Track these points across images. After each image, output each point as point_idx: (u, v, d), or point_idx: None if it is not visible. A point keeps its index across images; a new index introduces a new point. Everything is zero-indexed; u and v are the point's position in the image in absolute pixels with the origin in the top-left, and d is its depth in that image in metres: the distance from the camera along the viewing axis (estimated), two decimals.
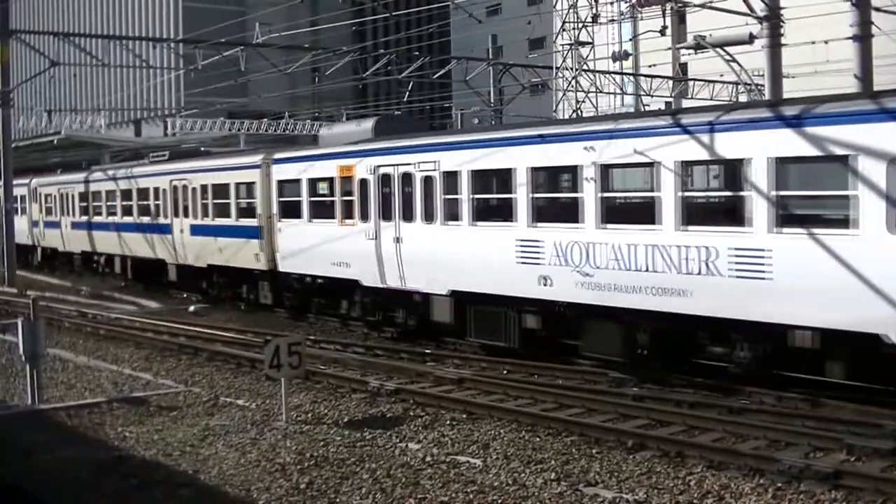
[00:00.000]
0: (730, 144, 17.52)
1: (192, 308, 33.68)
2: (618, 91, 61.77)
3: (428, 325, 24.61)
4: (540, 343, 21.92)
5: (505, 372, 20.86)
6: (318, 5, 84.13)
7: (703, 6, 37.03)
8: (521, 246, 21.17)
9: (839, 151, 15.85)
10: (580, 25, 55.59)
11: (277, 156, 30.73)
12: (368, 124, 28.38)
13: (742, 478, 13.30)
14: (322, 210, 28.06)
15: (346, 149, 27.35)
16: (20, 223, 50.93)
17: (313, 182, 28.53)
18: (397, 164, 24.79)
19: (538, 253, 20.78)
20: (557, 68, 58.07)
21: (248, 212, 31.86)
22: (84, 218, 45.27)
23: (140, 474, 14.32)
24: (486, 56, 64.01)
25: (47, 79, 62.94)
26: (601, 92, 58.44)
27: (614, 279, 19.21)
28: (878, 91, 20.13)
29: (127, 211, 40.83)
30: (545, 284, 20.76)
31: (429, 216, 23.70)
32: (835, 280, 15.86)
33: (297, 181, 29.20)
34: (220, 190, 33.61)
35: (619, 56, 59.57)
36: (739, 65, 37.74)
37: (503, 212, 21.78)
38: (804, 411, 16.35)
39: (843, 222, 15.89)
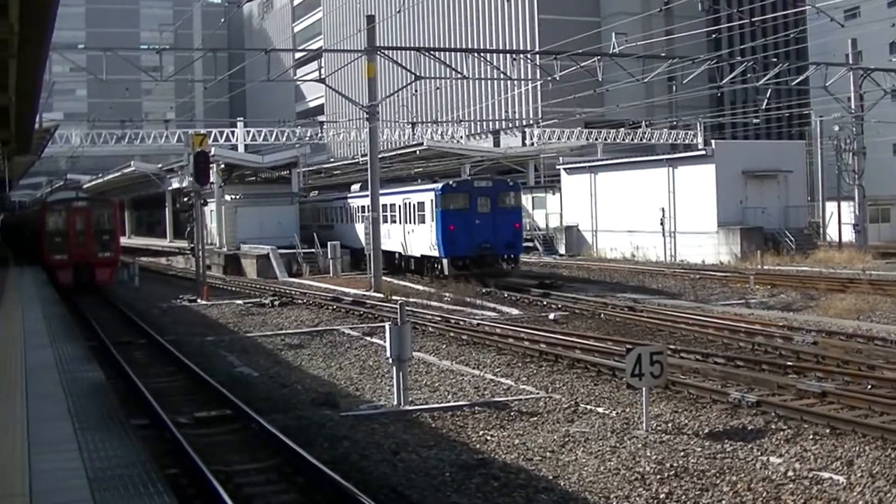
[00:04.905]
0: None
1: (552, 316, 33.92)
2: None
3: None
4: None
5: (869, 387, 19.83)
6: (674, 14, 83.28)
7: None
8: (386, 231, 50.94)
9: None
10: None
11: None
12: (357, 186, 64.24)
13: None
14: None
15: (347, 194, 64.87)
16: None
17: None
18: (359, 203, 58.90)
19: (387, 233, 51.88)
20: None
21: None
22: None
23: (501, 477, 14.46)
24: (846, 61, 61.51)
25: (410, 92, 65.24)
26: None
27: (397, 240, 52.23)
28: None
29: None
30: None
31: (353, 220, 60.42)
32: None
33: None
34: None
35: None
36: None
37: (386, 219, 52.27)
38: None
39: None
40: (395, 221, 52.47)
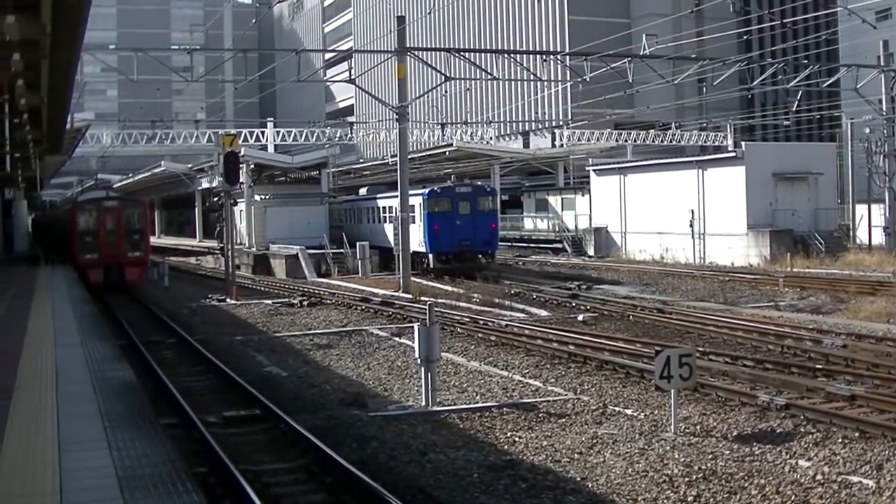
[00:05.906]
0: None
1: (580, 317, 33.86)
2: None
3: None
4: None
5: None
6: (705, 15, 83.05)
7: None
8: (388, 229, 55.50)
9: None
10: None
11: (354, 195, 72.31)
12: (364, 189, 70.12)
13: None
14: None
15: (356, 197, 69.95)
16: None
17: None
18: (372, 205, 63.31)
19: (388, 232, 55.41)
20: None
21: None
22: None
23: (529, 479, 14.47)
24: (877, 63, 61.14)
25: (440, 93, 65.21)
26: None
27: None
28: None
29: None
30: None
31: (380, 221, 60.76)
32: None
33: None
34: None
35: None
36: None
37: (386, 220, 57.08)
38: None
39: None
40: (392, 222, 56.00)
